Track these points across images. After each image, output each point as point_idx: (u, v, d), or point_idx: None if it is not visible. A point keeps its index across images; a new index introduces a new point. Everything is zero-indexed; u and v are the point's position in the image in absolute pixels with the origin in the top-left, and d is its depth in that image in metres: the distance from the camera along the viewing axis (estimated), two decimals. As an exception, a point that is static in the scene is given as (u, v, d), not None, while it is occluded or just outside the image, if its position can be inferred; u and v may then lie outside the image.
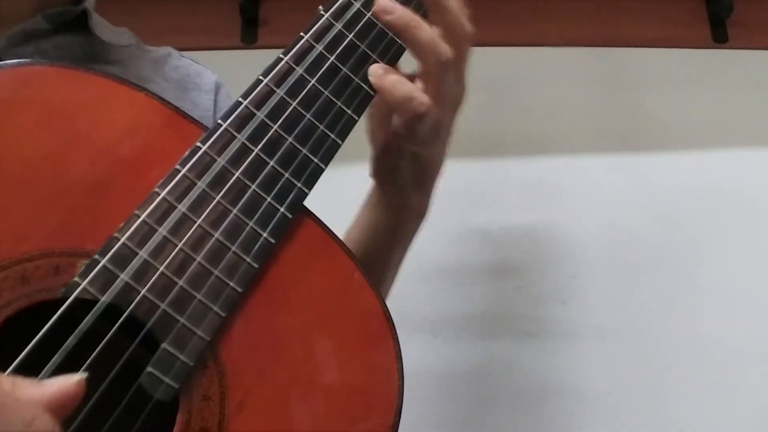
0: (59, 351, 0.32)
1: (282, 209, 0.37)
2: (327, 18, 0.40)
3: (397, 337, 0.39)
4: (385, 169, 0.47)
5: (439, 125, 0.42)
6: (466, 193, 0.93)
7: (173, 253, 0.35)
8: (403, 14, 0.39)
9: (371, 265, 0.49)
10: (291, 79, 0.39)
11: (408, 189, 0.47)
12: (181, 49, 0.59)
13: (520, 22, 0.99)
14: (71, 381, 0.29)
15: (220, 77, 0.58)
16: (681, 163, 0.97)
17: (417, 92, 0.40)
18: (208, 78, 0.57)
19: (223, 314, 0.35)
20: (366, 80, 0.40)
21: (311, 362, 0.37)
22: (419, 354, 0.87)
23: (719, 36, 1.02)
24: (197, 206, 0.36)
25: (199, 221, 0.36)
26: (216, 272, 0.35)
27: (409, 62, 0.43)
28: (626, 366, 0.89)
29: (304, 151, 0.38)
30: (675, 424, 0.87)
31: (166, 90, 0.53)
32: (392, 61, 0.42)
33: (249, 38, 0.98)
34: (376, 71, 0.40)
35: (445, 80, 0.41)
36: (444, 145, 0.45)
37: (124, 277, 0.34)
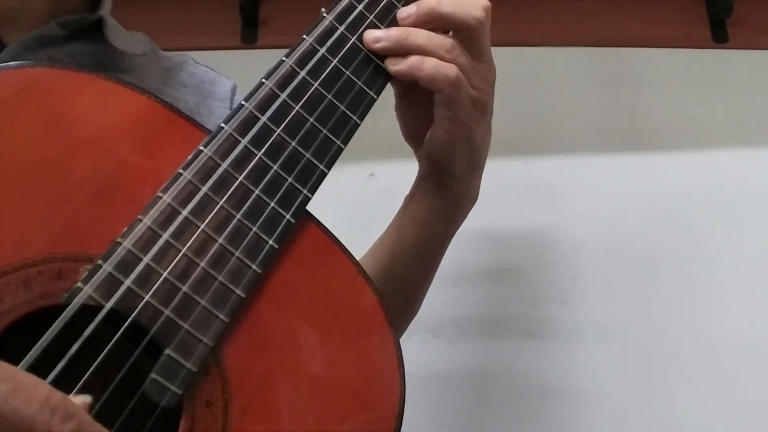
0: (63, 358, 0.32)
1: (286, 214, 0.37)
2: (330, 21, 0.40)
3: (399, 343, 0.39)
4: (440, 163, 0.48)
5: (484, 103, 0.45)
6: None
7: (177, 259, 0.35)
8: (390, 34, 0.41)
9: (428, 259, 0.51)
10: (294, 83, 0.38)
11: (464, 176, 0.48)
12: (180, 49, 0.58)
13: (520, 22, 0.99)
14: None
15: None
16: (681, 163, 0.97)
17: (439, 62, 0.42)
18: (222, 86, 0.56)
19: (227, 320, 0.35)
20: (369, 83, 0.40)
21: (313, 367, 0.37)
22: (419, 354, 0.87)
23: (719, 36, 1.01)
24: (200, 211, 0.36)
25: (202, 226, 0.35)
26: (220, 278, 0.35)
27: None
28: (626, 366, 0.89)
29: (308, 155, 0.38)
30: (675, 423, 0.87)
31: (186, 95, 0.53)
32: None
33: (249, 38, 0.97)
34: (394, 61, 0.41)
35: (460, 57, 0.43)
36: (490, 123, 0.47)
37: (127, 282, 0.34)
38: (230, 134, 0.37)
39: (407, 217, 0.51)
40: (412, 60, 0.41)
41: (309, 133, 0.38)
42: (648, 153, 0.97)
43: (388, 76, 0.42)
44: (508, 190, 0.94)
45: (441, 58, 0.42)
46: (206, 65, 0.58)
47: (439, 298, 0.89)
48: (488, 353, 0.89)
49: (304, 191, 0.38)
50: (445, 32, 0.44)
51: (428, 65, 0.41)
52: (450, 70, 0.42)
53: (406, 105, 0.47)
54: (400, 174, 0.56)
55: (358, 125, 0.40)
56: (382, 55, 0.41)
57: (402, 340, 0.39)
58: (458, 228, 0.52)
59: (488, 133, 0.48)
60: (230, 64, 0.60)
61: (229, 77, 0.58)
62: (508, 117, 0.97)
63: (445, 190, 0.49)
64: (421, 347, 0.87)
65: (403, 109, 0.48)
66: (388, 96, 0.43)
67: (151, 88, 0.49)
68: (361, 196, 0.90)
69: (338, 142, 0.39)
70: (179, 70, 0.55)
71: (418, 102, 0.45)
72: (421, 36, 0.41)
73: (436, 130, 0.45)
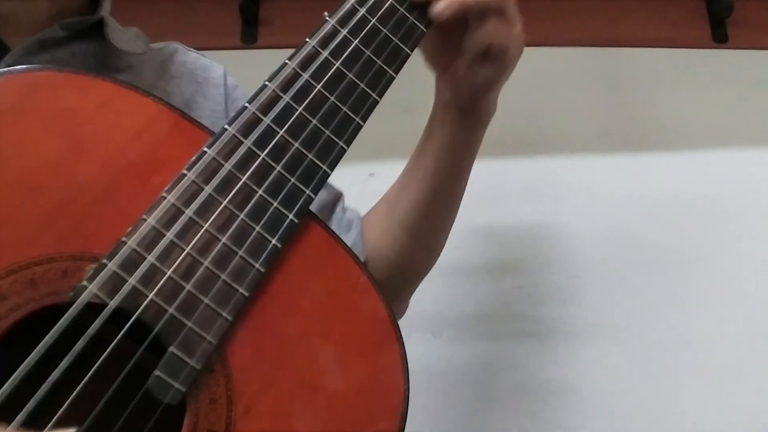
0: (67, 355, 0.32)
1: (289, 214, 0.37)
2: (333, 24, 0.40)
3: (403, 341, 0.39)
4: (480, 94, 0.50)
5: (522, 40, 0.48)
6: (466, 193, 0.94)
7: (180, 258, 0.35)
8: None
9: (465, 172, 0.54)
10: (297, 85, 0.39)
11: (493, 102, 0.52)
12: (180, 50, 0.58)
13: (520, 22, 0.99)
14: None
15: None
16: (681, 162, 0.97)
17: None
18: (215, 71, 0.57)
19: (230, 318, 0.35)
20: (371, 86, 0.41)
21: (316, 366, 0.37)
22: (419, 354, 0.87)
23: (719, 36, 1.02)
24: (204, 211, 0.36)
25: (206, 226, 0.36)
26: (223, 276, 0.36)
27: (403, 72, 0.43)
28: (626, 366, 0.89)
29: (311, 156, 0.39)
30: (675, 423, 0.87)
31: (180, 85, 0.53)
32: (398, 68, 0.42)
33: (249, 38, 0.98)
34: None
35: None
36: None
37: (131, 281, 0.34)
38: (234, 135, 0.37)
39: (441, 145, 0.53)
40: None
41: (312, 134, 0.39)
42: (648, 153, 0.97)
43: (391, 78, 0.42)
44: (508, 190, 0.95)
45: None
46: (196, 51, 0.58)
47: (439, 299, 0.89)
48: (488, 353, 0.89)
49: (307, 192, 0.38)
50: None
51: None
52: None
53: (438, 34, 0.48)
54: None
55: (361, 127, 0.40)
56: (385, 59, 0.41)
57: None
58: (483, 137, 0.55)
59: None
60: (230, 64, 0.60)
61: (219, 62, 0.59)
62: (508, 117, 0.97)
63: (474, 113, 0.51)
64: (421, 347, 0.88)
65: (434, 38, 0.48)
66: (387, 96, 0.44)
67: (147, 84, 0.50)
68: (361, 196, 0.90)
69: (341, 144, 0.39)
70: (171, 62, 0.55)
71: (451, 31, 0.47)
72: None
73: (486, 67, 0.47)
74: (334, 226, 0.55)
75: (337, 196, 0.59)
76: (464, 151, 0.53)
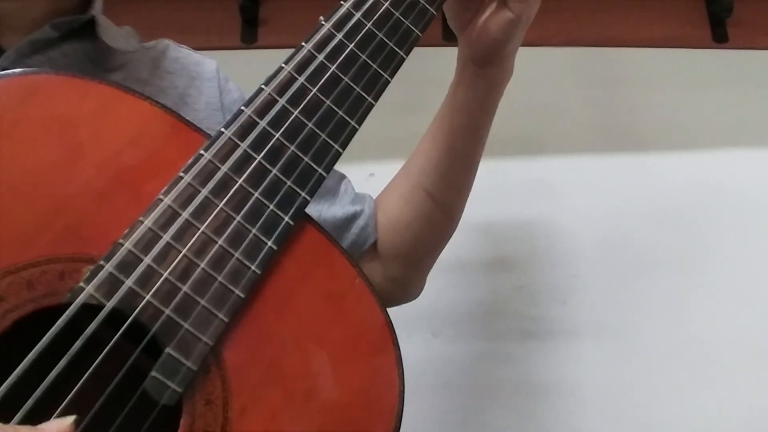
0: (64, 356, 0.32)
1: (285, 217, 0.38)
2: (328, 28, 0.40)
3: (398, 342, 0.39)
4: (497, 44, 0.51)
5: None
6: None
7: (177, 259, 0.35)
8: None
9: (483, 130, 0.55)
10: (292, 89, 0.39)
11: (512, 55, 0.53)
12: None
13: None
14: (65, 424, 0.31)
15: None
16: (681, 162, 0.97)
17: None
18: (208, 66, 0.57)
19: (226, 320, 0.36)
20: (367, 89, 0.41)
21: (312, 368, 0.37)
22: (419, 354, 0.87)
23: (719, 36, 1.02)
24: (201, 213, 0.36)
25: (202, 228, 0.36)
26: (219, 278, 0.36)
27: (403, 73, 0.43)
28: (626, 366, 0.89)
29: (306, 159, 0.39)
30: (674, 423, 0.87)
31: (174, 81, 0.54)
32: (393, 72, 0.42)
33: (249, 38, 0.98)
34: None
35: None
36: None
37: (128, 282, 0.34)
38: (230, 138, 0.38)
39: (458, 102, 0.54)
40: None
41: (308, 137, 0.39)
42: (647, 153, 0.98)
43: (386, 82, 0.42)
44: (507, 190, 0.95)
45: None
46: (187, 48, 0.58)
47: (439, 299, 0.90)
48: (488, 353, 0.90)
49: (303, 194, 0.38)
50: None
51: None
52: None
53: None
54: (400, 174, 0.57)
55: (357, 130, 0.41)
56: (380, 63, 0.42)
57: (402, 340, 0.39)
58: (499, 100, 0.56)
59: None
60: (230, 64, 0.60)
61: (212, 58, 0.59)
62: (508, 117, 0.97)
63: (493, 68, 0.52)
64: (421, 347, 0.88)
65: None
66: (387, 97, 0.44)
67: (141, 81, 0.50)
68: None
69: (336, 147, 0.40)
70: (163, 58, 0.55)
71: None
72: None
73: (504, 13, 0.49)
74: (344, 201, 0.57)
75: (341, 177, 0.60)
76: (481, 108, 0.54)
